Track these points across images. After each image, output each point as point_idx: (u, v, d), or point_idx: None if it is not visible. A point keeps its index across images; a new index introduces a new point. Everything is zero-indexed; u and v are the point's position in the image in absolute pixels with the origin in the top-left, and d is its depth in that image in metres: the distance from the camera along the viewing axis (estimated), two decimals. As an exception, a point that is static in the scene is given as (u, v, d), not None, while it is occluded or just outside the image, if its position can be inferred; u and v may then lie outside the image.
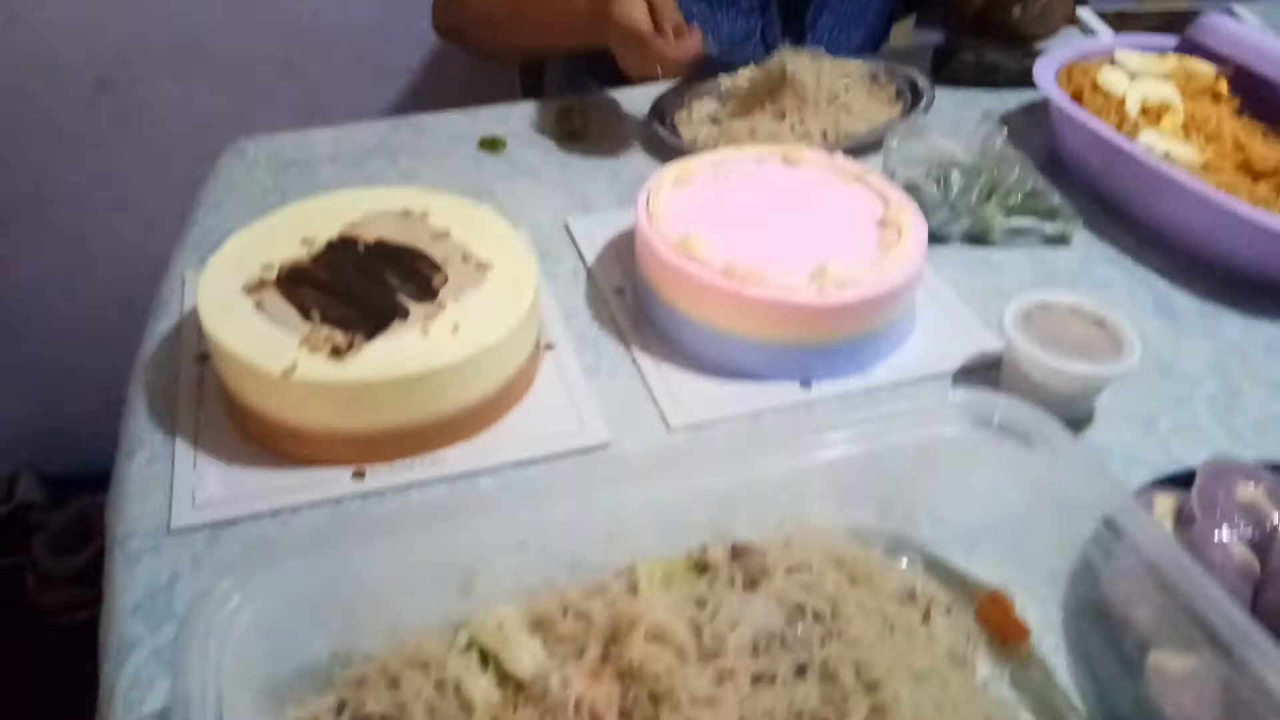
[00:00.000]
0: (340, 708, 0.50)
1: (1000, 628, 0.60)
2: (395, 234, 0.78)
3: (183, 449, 0.70)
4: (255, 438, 0.71)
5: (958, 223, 0.94)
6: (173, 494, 0.67)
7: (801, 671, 0.51)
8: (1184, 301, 0.90)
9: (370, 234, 0.78)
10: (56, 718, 1.25)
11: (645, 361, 0.80)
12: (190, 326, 0.80)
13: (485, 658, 0.52)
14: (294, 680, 0.52)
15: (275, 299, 0.71)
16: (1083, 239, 0.97)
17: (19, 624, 1.71)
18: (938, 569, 0.63)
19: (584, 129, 1.08)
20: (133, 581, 0.62)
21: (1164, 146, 0.95)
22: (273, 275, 0.73)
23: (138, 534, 0.65)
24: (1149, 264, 0.94)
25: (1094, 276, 0.92)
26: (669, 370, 0.80)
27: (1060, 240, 0.96)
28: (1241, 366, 0.83)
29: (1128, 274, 0.93)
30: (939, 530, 0.65)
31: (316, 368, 0.66)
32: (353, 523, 0.53)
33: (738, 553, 0.57)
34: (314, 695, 0.52)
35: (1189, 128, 0.98)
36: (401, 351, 0.68)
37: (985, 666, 0.59)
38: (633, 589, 0.54)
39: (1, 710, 1.53)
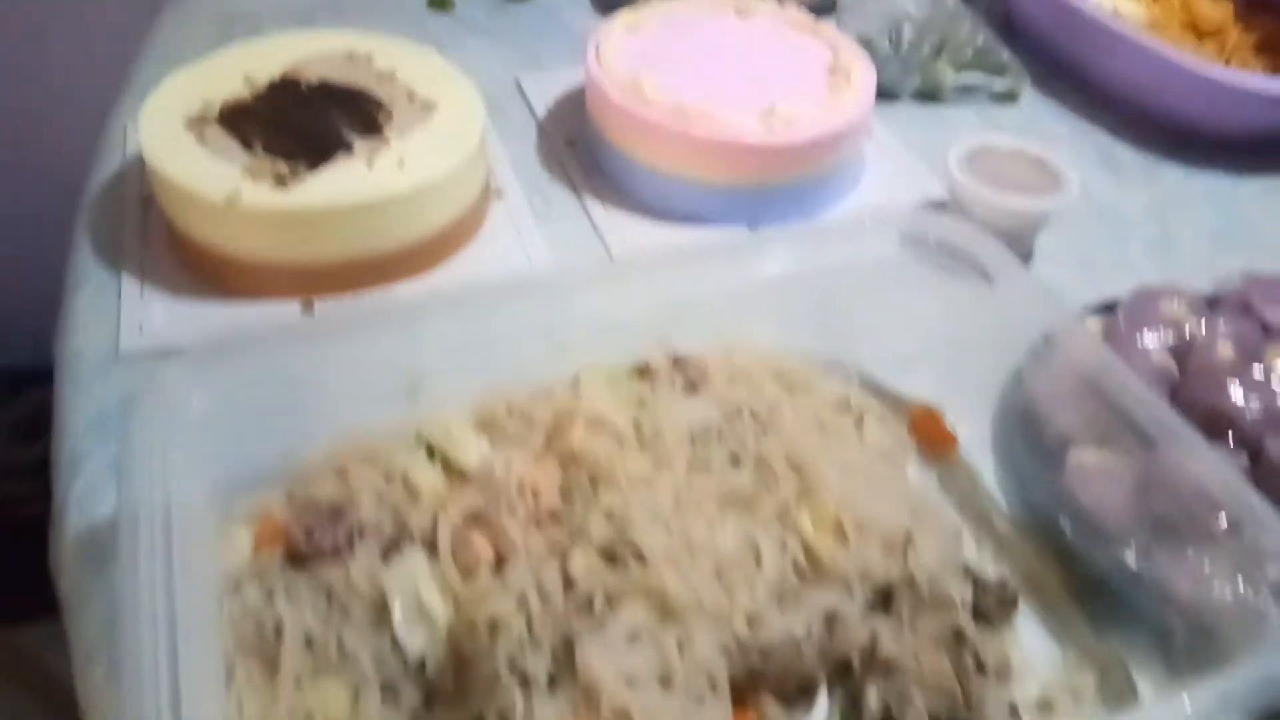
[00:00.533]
0: (290, 500, 0.52)
1: (930, 437, 0.63)
2: (339, 75, 0.77)
3: (129, 283, 0.70)
4: (202, 272, 0.71)
5: (908, 78, 0.95)
6: (120, 324, 0.67)
7: (736, 461, 0.53)
8: (1127, 155, 0.92)
9: (314, 74, 0.77)
10: (7, 611, 1.26)
11: (595, 208, 0.81)
12: (133, 172, 0.79)
13: (432, 453, 0.53)
14: (246, 477, 0.53)
15: (217, 132, 0.70)
16: (1031, 97, 0.98)
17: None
18: (873, 387, 0.65)
19: (535, -11, 1.06)
20: (83, 404, 0.62)
21: (1111, 4, 0.96)
22: (214, 112, 0.72)
23: (86, 362, 0.65)
24: (1095, 121, 0.95)
25: (1040, 132, 0.94)
26: (619, 216, 0.80)
27: (1009, 97, 0.97)
28: (1178, 213, 0.85)
29: (1074, 130, 0.94)
30: (876, 353, 0.66)
31: (260, 196, 0.66)
32: (302, 325, 0.54)
33: (679, 363, 0.59)
34: (266, 490, 0.53)
35: (1136, -15, 0.99)
36: (346, 182, 0.68)
37: (914, 472, 0.62)
38: (576, 392, 0.56)
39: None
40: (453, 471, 0.52)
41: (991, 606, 0.52)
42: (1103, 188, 0.87)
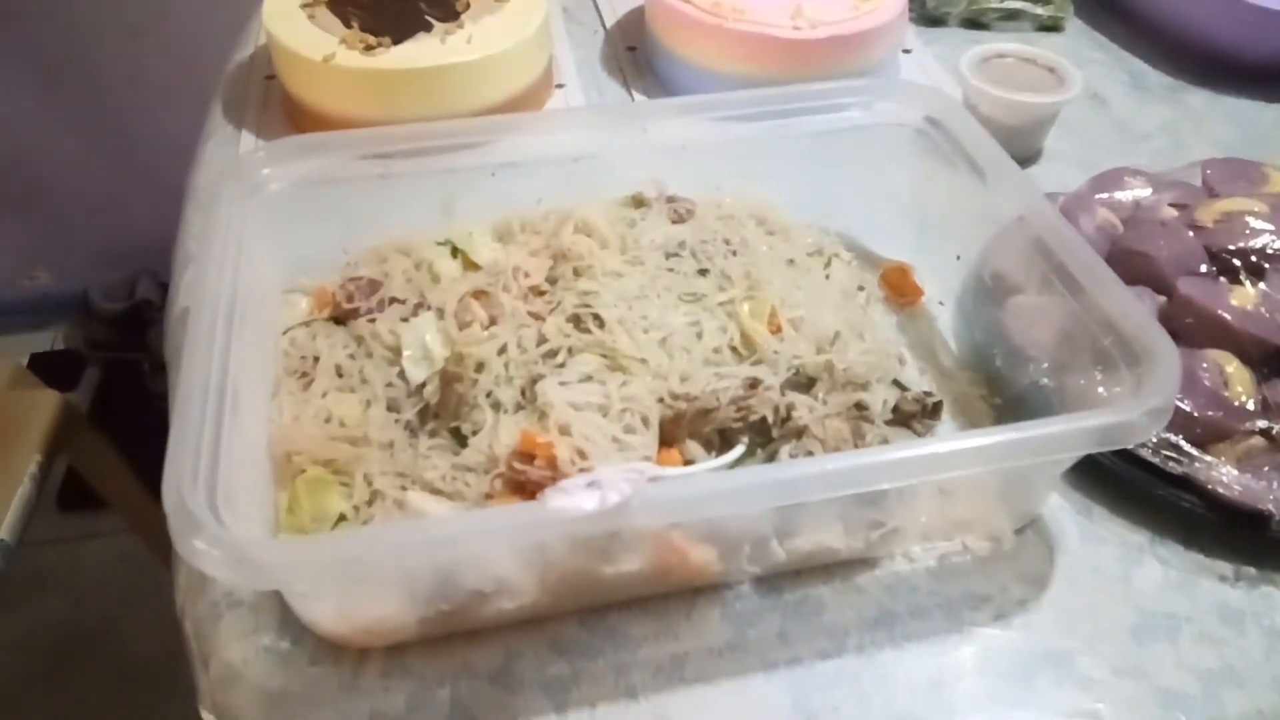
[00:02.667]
0: (343, 279, 0.64)
1: (898, 288, 0.71)
2: (430, -27, 0.90)
3: (246, 137, 0.85)
4: (303, 128, 0.85)
5: (955, 3, 1.01)
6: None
7: (703, 273, 0.63)
8: (1157, 79, 0.96)
9: (409, -28, 0.90)
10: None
11: (640, 100, 0.91)
12: (261, 54, 0.95)
13: (455, 252, 0.65)
14: (311, 262, 0.66)
15: (325, 13, 0.85)
16: (1075, 27, 1.03)
17: (139, 405, 1.95)
18: (855, 249, 0.73)
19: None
20: (197, 218, 0.77)
21: (1161, -66, 0.99)
22: (325, -2, 0.86)
23: (204, 190, 0.80)
24: (1133, 50, 0.99)
25: (1078, 59, 0.98)
26: (663, 109, 0.90)
27: (1053, 26, 1.02)
28: (1194, 129, 0.89)
29: (1110, 56, 0.99)
30: (862, 222, 0.74)
31: (351, 59, 0.79)
32: (357, 137, 0.65)
33: (672, 199, 0.69)
34: (323, 275, 0.66)
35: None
36: (422, 53, 0.80)
37: (878, 315, 0.70)
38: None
39: (119, 475, 1.77)
40: (470, 265, 0.64)
41: (913, 410, 0.60)
42: (1125, 103, 0.92)
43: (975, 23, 1.02)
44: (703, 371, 0.56)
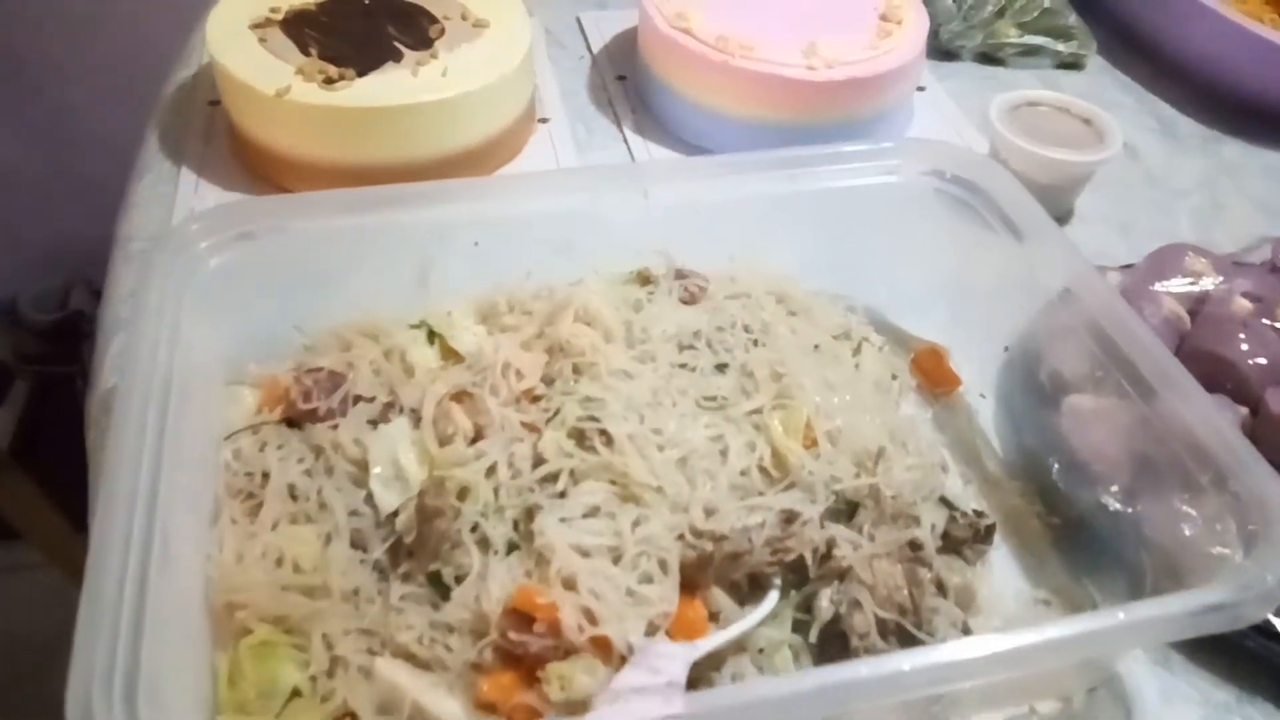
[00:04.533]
0: (297, 368, 0.55)
1: (932, 376, 0.63)
2: (400, -9, 0.80)
3: (187, 175, 0.75)
4: (253, 169, 0.75)
5: (970, 37, 0.93)
6: (174, 210, 0.72)
7: (721, 369, 0.54)
8: (1189, 127, 0.89)
9: (376, -11, 0.80)
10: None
11: (635, 140, 0.82)
12: (205, 75, 0.84)
13: (432, 336, 0.56)
14: (260, 345, 0.56)
15: (278, 36, 0.74)
16: (1097, 65, 0.96)
17: (70, 421, 1.82)
18: (882, 326, 0.65)
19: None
20: (128, 275, 0.67)
21: (1191, -30, 0.93)
22: (279, 16, 0.76)
23: (138, 238, 0.70)
24: (1160, 92, 0.93)
25: (1102, 101, 0.90)
26: (656, 149, 0.81)
27: (1073, 64, 0.95)
28: (1232, 184, 0.82)
29: (1136, 99, 0.92)
30: (889, 293, 0.66)
31: (308, 93, 0.69)
32: (316, 201, 0.56)
33: (681, 274, 0.60)
34: (275, 359, 0.56)
35: (1220, -46, 0.95)
36: (390, 87, 0.70)
37: (912, 408, 0.62)
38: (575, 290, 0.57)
39: (51, 495, 1.65)
40: (448, 354, 0.55)
41: (964, 535, 0.52)
42: (1157, 154, 0.85)
43: (991, 58, 0.95)
44: (730, 502, 0.47)
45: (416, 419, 0.51)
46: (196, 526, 0.47)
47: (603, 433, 0.48)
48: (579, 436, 0.48)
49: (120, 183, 0.84)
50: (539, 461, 0.48)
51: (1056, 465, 0.56)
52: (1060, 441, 0.56)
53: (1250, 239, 0.76)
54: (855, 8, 0.83)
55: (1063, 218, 0.78)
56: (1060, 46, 0.93)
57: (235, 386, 0.54)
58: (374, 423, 0.52)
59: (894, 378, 0.61)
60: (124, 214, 0.72)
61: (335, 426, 0.51)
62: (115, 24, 1.67)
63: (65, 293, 1.96)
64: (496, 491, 0.47)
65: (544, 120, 0.84)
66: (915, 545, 0.48)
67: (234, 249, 0.52)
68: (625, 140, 0.82)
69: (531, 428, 0.49)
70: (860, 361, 0.59)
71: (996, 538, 0.54)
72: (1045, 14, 0.93)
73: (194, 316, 0.51)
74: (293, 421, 0.52)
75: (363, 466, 0.49)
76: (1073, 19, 0.94)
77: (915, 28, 0.81)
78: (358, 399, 0.52)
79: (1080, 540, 0.54)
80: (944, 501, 0.54)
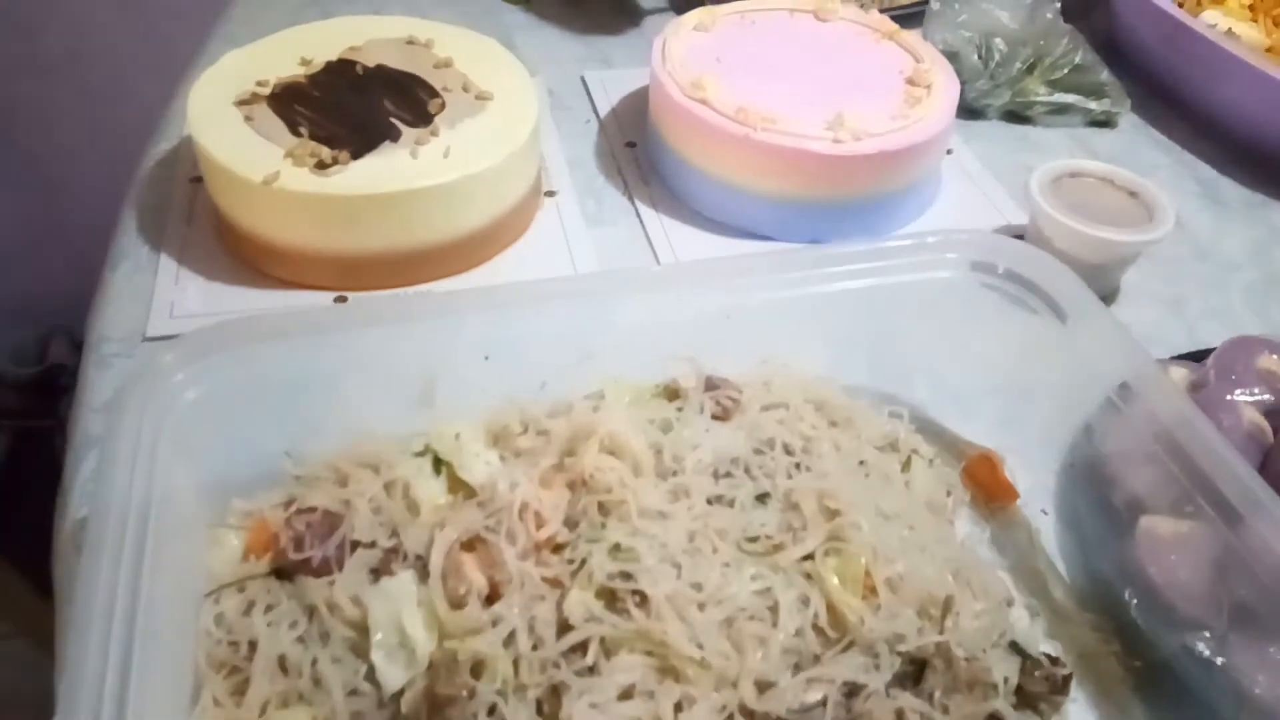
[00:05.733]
0: (288, 504, 0.49)
1: (987, 487, 0.57)
2: (396, 60, 0.75)
3: (166, 263, 0.69)
4: (240, 256, 0.69)
5: (997, 95, 0.88)
6: (152, 304, 0.66)
7: (762, 499, 0.48)
8: (1232, 190, 0.84)
9: (371, 59, 0.74)
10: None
11: (648, 214, 0.77)
12: (187, 148, 0.78)
13: (439, 465, 0.50)
14: (245, 476, 0.51)
15: (266, 113, 0.69)
16: (1130, 122, 0.91)
17: (49, 478, 1.75)
18: (928, 429, 0.60)
19: (612, -15, 1.03)
20: (101, 383, 0.61)
21: (1227, 24, 0.88)
22: (266, 91, 0.70)
23: (113, 339, 0.64)
24: (1199, 152, 0.88)
25: (1138, 161, 0.87)
26: (672, 225, 0.76)
27: (1106, 122, 0.90)
28: (1287, 257, 0.78)
29: (1175, 160, 0.87)
30: (935, 389, 0.61)
31: (299, 179, 0.63)
32: (313, 316, 0.51)
33: (711, 385, 0.54)
34: (265, 492, 0.50)
35: (1255, 7, 0.91)
36: (388, 170, 0.65)
37: (967, 525, 0.56)
38: (598, 409, 0.52)
39: (20, 561, 1.58)
40: (457, 485, 0.49)
41: (1039, 689, 0.46)
42: (1202, 223, 0.80)
43: (1019, 116, 0.90)
44: (783, 673, 0.41)
45: (423, 568, 0.45)
46: (174, 711, 0.41)
47: (636, 592, 0.42)
48: (609, 596, 0.43)
49: (101, 229, 0.78)
50: (564, 628, 0.42)
51: (1134, 599, 0.51)
52: (1136, 571, 0.50)
53: (1311, 318, 0.72)
54: (880, 73, 0.78)
55: (1109, 296, 0.72)
56: (1092, 104, 0.89)
57: (218, 530, 0.48)
58: (376, 572, 0.46)
59: (948, 494, 0.55)
60: (97, 310, 0.66)
61: (331, 581, 0.45)
62: (93, 67, 1.63)
63: (44, 344, 1.90)
64: (516, 665, 0.41)
65: (551, 193, 0.78)
66: (994, 717, 0.42)
67: (213, 377, 0.47)
68: (638, 214, 0.77)
69: (554, 583, 0.44)
70: (910, 479, 0.54)
71: (1072, 681, 0.49)
72: (1076, 70, 0.88)
73: (171, 454, 0.45)
74: (283, 572, 0.46)
75: (363, 630, 0.43)
76: (1105, 75, 0.89)
77: (945, 92, 0.76)
78: (356, 545, 0.46)
79: (1166, 688, 0.49)
80: (1014, 647, 0.48)
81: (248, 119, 0.68)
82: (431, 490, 0.49)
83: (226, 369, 0.47)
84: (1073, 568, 0.55)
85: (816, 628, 0.43)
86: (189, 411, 0.46)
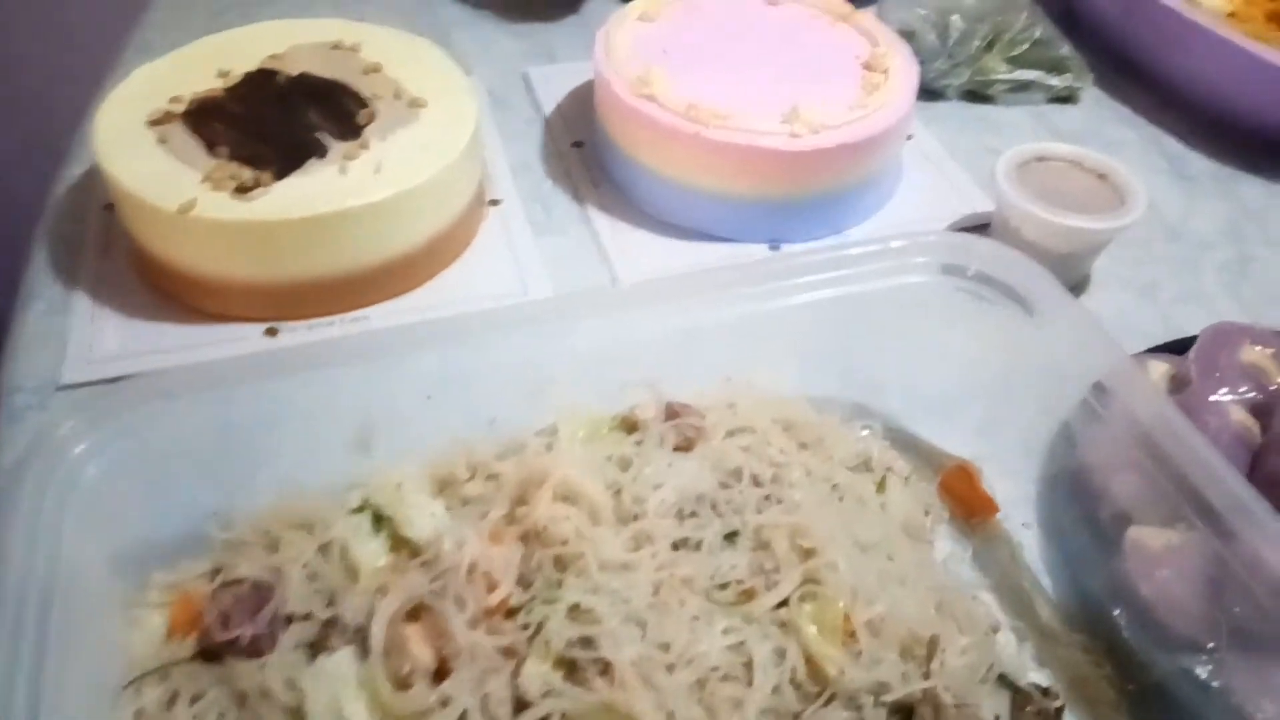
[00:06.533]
0: (215, 573, 0.45)
1: (966, 501, 0.55)
2: (322, 68, 0.70)
3: (81, 301, 0.64)
4: (160, 289, 0.64)
5: (956, 75, 0.85)
6: (67, 348, 0.61)
7: (731, 538, 0.45)
8: (1200, 164, 0.82)
9: (294, 67, 0.69)
10: None
11: (600, 220, 0.73)
12: (98, 175, 0.73)
13: (379, 521, 0.46)
14: (168, 543, 0.46)
15: (181, 133, 0.64)
16: (1093, 97, 0.88)
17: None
18: (901, 439, 0.57)
19: (553, -29, 0.98)
20: (15, 437, 0.56)
21: (1190, -9, 0.85)
22: (181, 108, 0.65)
23: (25, 389, 0.59)
24: (1164, 125, 0.85)
25: (1102, 137, 0.84)
26: (625, 229, 0.72)
27: (1068, 97, 0.87)
28: (1258, 233, 0.75)
29: (1140, 134, 0.84)
30: (906, 398, 0.58)
31: (218, 206, 0.59)
32: (235, 364, 0.47)
33: (672, 412, 0.51)
34: (189, 560, 0.46)
35: (1219, -29, 0.88)
36: (315, 191, 0.60)
37: (947, 544, 0.53)
38: (551, 447, 0.48)
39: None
40: (400, 543, 0.45)
41: (1031, 722, 0.44)
42: (1172, 202, 0.77)
43: (979, 95, 0.87)
44: (762, 737, 0.38)
45: (363, 642, 0.41)
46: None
47: (599, 660, 0.39)
48: (569, 666, 0.39)
49: (9, 267, 0.72)
50: (521, 704, 0.38)
51: (1125, 617, 0.48)
52: (1126, 589, 0.48)
53: (1288, 297, 0.70)
54: (836, 59, 0.74)
55: (1081, 284, 0.70)
56: (1054, 80, 0.86)
57: (138, 609, 0.44)
58: (313, 647, 0.42)
59: (926, 513, 0.52)
60: (8, 357, 0.61)
61: (263, 664, 0.41)
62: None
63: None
64: (470, 750, 0.37)
65: (495, 202, 0.74)
66: (988, 768, 0.40)
67: (120, 442, 0.42)
68: (588, 220, 0.73)
69: (509, 652, 0.40)
70: (886, 500, 0.51)
71: (1065, 712, 0.46)
72: (1036, 45, 0.85)
73: (77, 530, 0.41)
74: (211, 653, 0.42)
75: (299, 717, 0.40)
76: (1066, 49, 0.86)
77: (904, 77, 0.73)
78: (289, 619, 0.42)
79: (1163, 713, 0.46)
80: (1003, 680, 0.45)
81: (161, 140, 0.63)
82: (371, 550, 0.45)
83: (136, 431, 0.43)
84: (1059, 584, 0.52)
85: (795, 683, 0.40)
86: (95, 484, 0.42)
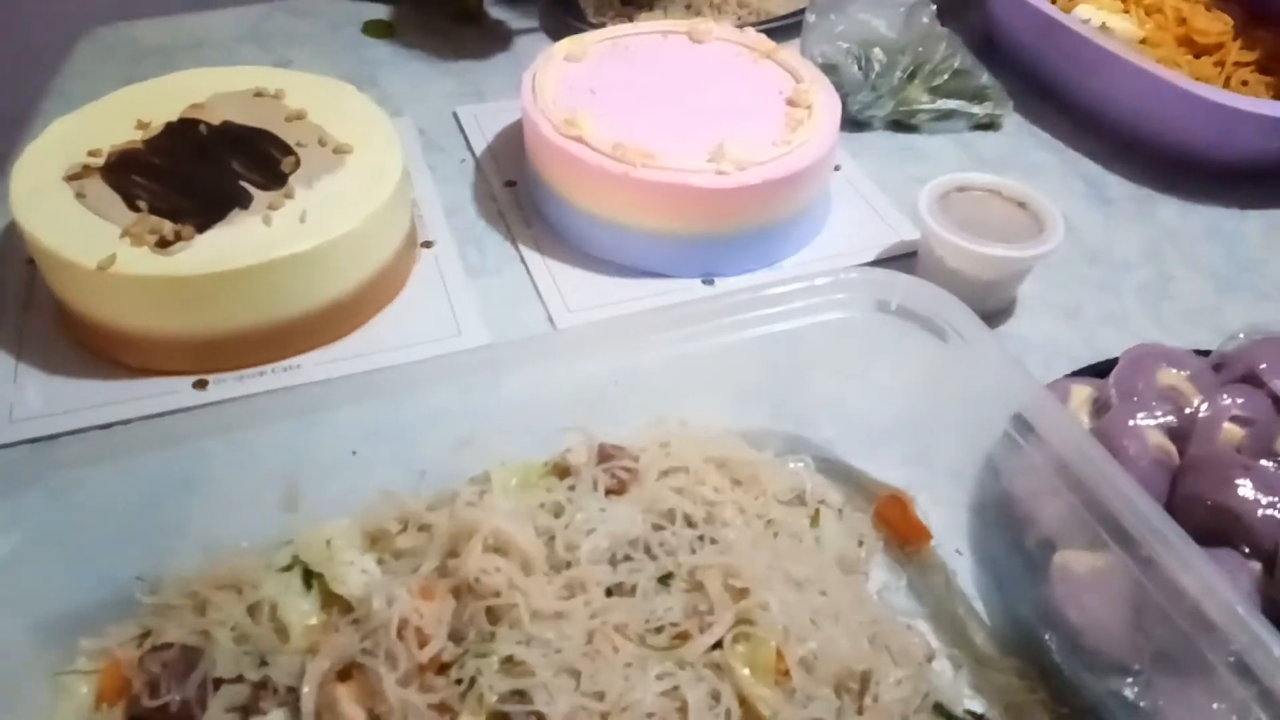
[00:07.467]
0: (143, 638, 0.44)
1: (900, 529, 0.55)
2: (244, 116, 0.69)
3: (3, 359, 0.63)
4: (85, 345, 0.63)
5: (880, 106, 0.87)
6: (-13, 408, 0.60)
7: (665, 580, 0.45)
8: (1118, 187, 0.84)
9: (216, 116, 0.69)
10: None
11: (534, 259, 0.73)
12: (17, 229, 0.71)
13: (310, 578, 0.46)
14: (94, 609, 0.45)
15: (99, 188, 0.63)
16: (1014, 124, 0.90)
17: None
18: (836, 471, 0.58)
19: (480, 11, 0.98)
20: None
21: (1101, 18, 0.88)
22: (100, 162, 0.64)
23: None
24: (1082, 149, 0.88)
25: (1024, 162, 0.86)
26: (559, 268, 0.73)
27: (990, 125, 0.90)
28: (1176, 253, 0.78)
29: (1060, 158, 0.87)
30: (839, 429, 0.59)
31: (138, 261, 0.58)
32: (156, 427, 0.46)
33: (605, 455, 0.51)
34: (116, 625, 0.45)
35: (1129, -1, 0.91)
36: (239, 242, 0.60)
37: (883, 573, 0.54)
38: (483, 495, 0.48)
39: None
40: (331, 600, 0.45)
41: (967, 751, 0.44)
42: (1092, 225, 0.79)
43: (904, 125, 0.89)
44: (697, 786, 0.38)
45: (295, 703, 0.40)
46: None
47: (533, 714, 0.38)
48: (503, 719, 0.39)
49: None
50: (455, 762, 0.38)
51: (1055, 642, 0.49)
52: (1055, 613, 0.48)
53: (1204, 316, 0.72)
54: (760, 95, 0.75)
55: (1007, 309, 0.71)
56: (975, 109, 0.88)
57: (65, 677, 0.43)
58: (244, 709, 0.41)
59: (860, 544, 0.53)
60: (-75, 418, 0.60)
61: (192, 731, 0.40)
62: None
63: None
64: (404, 814, 0.37)
65: (428, 244, 0.74)
66: (923, 801, 0.40)
67: (35, 514, 0.42)
68: (523, 259, 0.73)
69: (442, 708, 0.40)
70: (820, 533, 0.51)
71: (1000, 734, 0.47)
72: (956, 75, 0.87)
73: (-5, 606, 0.40)
74: (139, 718, 0.41)
75: (230, 787, 0.39)
76: (985, 78, 0.88)
77: (827, 111, 0.74)
78: (219, 682, 0.42)
79: (1095, 733, 0.47)
80: (939, 709, 0.46)
81: (79, 195, 0.62)
82: (302, 609, 0.44)
83: (52, 499, 0.42)
84: (992, 609, 0.53)
85: (729, 726, 0.40)
86: (11, 557, 0.41)
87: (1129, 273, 0.75)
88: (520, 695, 0.39)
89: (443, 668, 0.41)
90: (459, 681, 0.40)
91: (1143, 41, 0.89)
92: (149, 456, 0.45)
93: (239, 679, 0.42)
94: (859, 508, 0.56)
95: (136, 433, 0.45)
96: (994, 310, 0.70)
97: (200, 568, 0.46)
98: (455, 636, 0.42)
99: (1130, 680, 0.45)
